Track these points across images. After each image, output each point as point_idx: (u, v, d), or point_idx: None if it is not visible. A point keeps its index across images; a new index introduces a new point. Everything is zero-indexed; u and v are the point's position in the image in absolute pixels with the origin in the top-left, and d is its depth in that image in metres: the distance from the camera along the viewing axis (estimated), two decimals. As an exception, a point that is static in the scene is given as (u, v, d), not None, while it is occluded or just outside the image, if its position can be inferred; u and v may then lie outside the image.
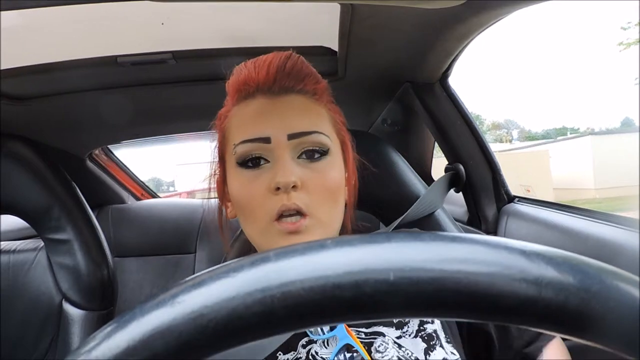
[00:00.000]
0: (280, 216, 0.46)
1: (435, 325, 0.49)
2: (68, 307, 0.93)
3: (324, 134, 0.49)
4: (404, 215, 0.68)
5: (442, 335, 0.49)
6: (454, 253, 0.17)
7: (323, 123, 0.51)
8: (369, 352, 0.46)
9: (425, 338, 0.48)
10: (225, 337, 0.16)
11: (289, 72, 0.50)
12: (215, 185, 0.57)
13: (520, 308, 0.16)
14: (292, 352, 0.48)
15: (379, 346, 0.47)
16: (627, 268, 0.17)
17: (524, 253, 0.17)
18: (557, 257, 0.17)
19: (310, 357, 0.47)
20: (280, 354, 0.48)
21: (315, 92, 0.52)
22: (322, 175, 0.48)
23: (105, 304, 0.97)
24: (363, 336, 0.48)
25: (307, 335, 0.49)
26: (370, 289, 0.16)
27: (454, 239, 0.18)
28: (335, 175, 0.49)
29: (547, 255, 0.17)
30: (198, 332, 0.16)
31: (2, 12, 0.58)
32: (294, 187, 0.45)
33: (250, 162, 0.48)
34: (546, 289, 0.16)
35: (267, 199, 0.46)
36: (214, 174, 0.57)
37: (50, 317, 0.92)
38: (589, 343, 0.17)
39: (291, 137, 0.47)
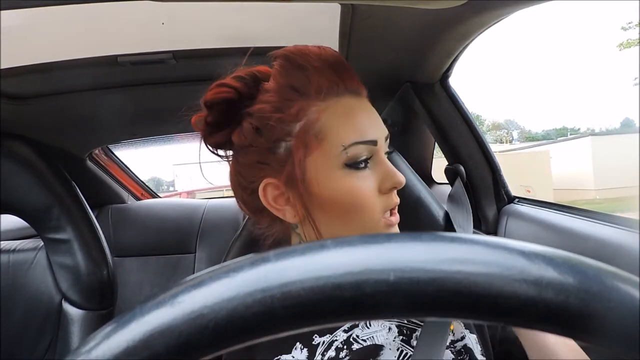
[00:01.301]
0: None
1: (467, 341, 0.52)
2: (68, 307, 0.93)
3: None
4: None
5: (476, 349, 0.51)
6: (454, 253, 0.17)
7: None
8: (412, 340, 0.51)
9: (455, 352, 0.50)
10: (225, 337, 0.16)
11: (354, 74, 0.52)
12: (293, 186, 0.50)
13: (520, 309, 0.16)
14: (328, 335, 0.50)
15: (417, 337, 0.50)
16: (627, 268, 0.17)
17: (524, 253, 0.17)
18: (557, 257, 0.17)
19: (351, 340, 0.50)
20: (316, 336, 0.50)
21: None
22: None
23: (105, 304, 0.97)
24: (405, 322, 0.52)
25: None
26: (371, 289, 0.16)
27: (453, 240, 0.18)
28: None
29: (547, 255, 0.17)
30: (198, 332, 0.16)
31: (2, 12, 0.58)
32: None
33: (360, 164, 0.49)
34: (546, 289, 0.16)
35: (378, 198, 0.49)
36: (294, 172, 0.49)
37: (50, 317, 0.92)
38: (589, 343, 0.17)
39: (386, 138, 0.51)
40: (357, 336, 0.50)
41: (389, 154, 0.53)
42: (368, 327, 0.51)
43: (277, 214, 0.52)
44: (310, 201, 0.49)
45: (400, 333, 0.50)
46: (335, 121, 0.48)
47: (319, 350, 0.49)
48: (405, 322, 0.52)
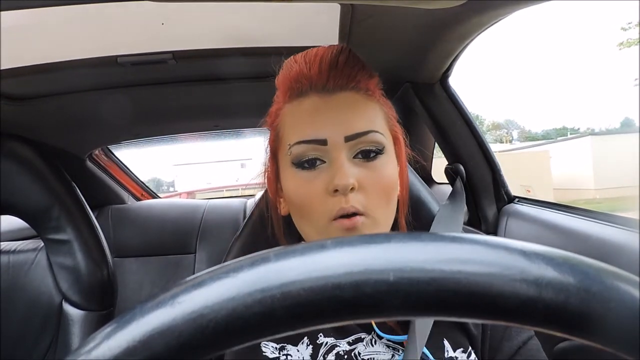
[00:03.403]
0: (339, 216, 0.46)
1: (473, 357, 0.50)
2: (68, 308, 0.93)
3: (379, 132, 0.48)
4: None
5: None
6: (454, 253, 0.17)
7: (377, 120, 0.49)
8: None
9: None
10: (225, 337, 0.16)
11: (342, 69, 0.49)
12: (267, 182, 0.56)
13: (521, 308, 0.16)
14: (333, 338, 0.50)
15: None
16: (627, 268, 0.17)
17: (524, 253, 0.17)
18: (557, 257, 0.17)
19: (352, 355, 0.48)
20: (320, 336, 0.49)
21: (369, 88, 0.51)
22: (378, 175, 0.47)
23: (105, 305, 0.97)
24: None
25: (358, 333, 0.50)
26: (370, 289, 0.16)
27: (453, 239, 0.18)
28: (390, 173, 0.49)
29: (547, 255, 0.17)
30: (198, 332, 0.16)
31: (2, 12, 0.58)
32: (352, 189, 0.45)
33: (307, 163, 0.47)
34: (546, 289, 0.16)
35: (325, 200, 0.46)
36: (266, 171, 0.56)
37: (50, 318, 0.92)
38: (589, 343, 0.17)
39: (348, 139, 0.46)
40: (359, 353, 0.49)
41: (373, 153, 0.47)
42: (372, 345, 0.49)
43: (276, 204, 0.55)
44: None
45: None
46: (288, 121, 0.50)
47: (322, 351, 0.49)
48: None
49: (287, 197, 0.50)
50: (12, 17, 0.61)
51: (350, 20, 0.67)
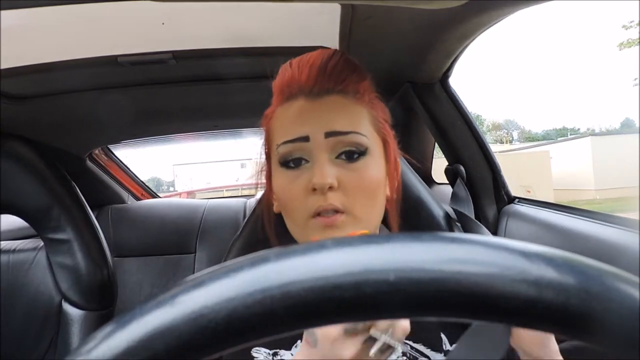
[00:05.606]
0: (318, 214, 0.48)
1: None
2: (68, 307, 0.93)
3: (361, 134, 0.49)
4: None
5: None
6: (454, 253, 0.17)
7: (362, 123, 0.51)
8: None
9: None
10: (225, 337, 0.16)
11: (330, 73, 0.50)
12: (265, 181, 0.58)
13: (521, 309, 0.16)
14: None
15: None
16: (627, 269, 0.17)
17: (524, 254, 0.17)
18: (557, 258, 0.17)
19: None
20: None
21: (357, 91, 0.52)
22: (359, 175, 0.48)
23: (105, 304, 0.97)
24: (408, 348, 0.50)
25: None
26: (371, 290, 0.16)
27: (454, 240, 0.18)
28: (373, 174, 0.50)
29: (547, 256, 0.17)
30: (198, 332, 0.16)
31: (2, 12, 0.58)
32: (330, 187, 0.47)
33: (292, 162, 0.49)
34: (546, 289, 0.16)
35: (306, 198, 0.48)
36: (262, 170, 0.58)
37: (50, 317, 0.92)
38: (589, 344, 0.17)
39: (328, 135, 0.48)
40: None
41: (356, 154, 0.48)
42: None
43: (270, 201, 0.57)
44: None
45: (403, 354, 0.49)
46: (277, 123, 0.52)
47: None
48: (411, 344, 0.50)
49: (275, 195, 0.53)
50: (12, 16, 0.61)
51: (350, 20, 0.67)
